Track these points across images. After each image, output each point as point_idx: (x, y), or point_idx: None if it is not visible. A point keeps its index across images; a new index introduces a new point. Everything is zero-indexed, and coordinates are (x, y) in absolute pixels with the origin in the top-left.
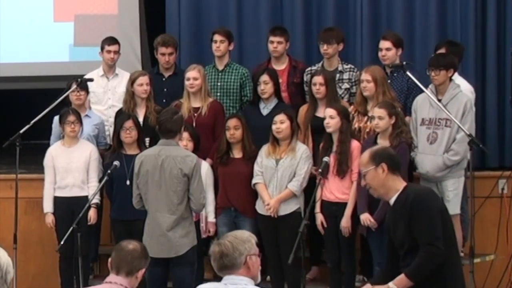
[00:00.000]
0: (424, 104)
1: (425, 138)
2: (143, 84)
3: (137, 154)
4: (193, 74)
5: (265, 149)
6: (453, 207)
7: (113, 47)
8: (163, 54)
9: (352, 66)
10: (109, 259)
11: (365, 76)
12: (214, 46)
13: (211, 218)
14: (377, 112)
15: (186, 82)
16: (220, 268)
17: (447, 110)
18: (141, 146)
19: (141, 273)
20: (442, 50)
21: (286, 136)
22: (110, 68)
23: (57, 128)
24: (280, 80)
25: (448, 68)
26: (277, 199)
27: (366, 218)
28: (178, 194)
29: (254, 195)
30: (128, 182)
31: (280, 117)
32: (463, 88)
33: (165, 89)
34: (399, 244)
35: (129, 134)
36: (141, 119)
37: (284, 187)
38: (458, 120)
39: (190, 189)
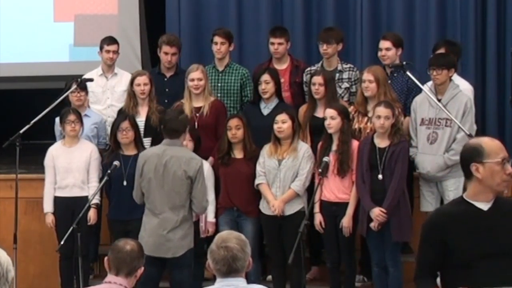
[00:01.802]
0: (424, 104)
1: (425, 138)
2: (140, 84)
3: (135, 155)
4: (197, 75)
5: (266, 149)
6: None
7: (112, 47)
8: (166, 53)
9: (352, 66)
10: (106, 259)
11: (367, 76)
12: (214, 48)
13: (211, 218)
14: (384, 112)
15: (190, 83)
16: (228, 271)
17: (447, 110)
18: (139, 146)
19: (140, 271)
20: (442, 50)
21: (287, 135)
22: (109, 68)
23: (58, 129)
24: (282, 80)
25: (450, 67)
26: (281, 200)
27: (378, 213)
28: (180, 195)
29: (256, 195)
30: (125, 183)
31: (282, 117)
32: (463, 88)
33: (166, 89)
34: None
35: (125, 135)
36: (143, 119)
37: (287, 187)
38: (459, 120)
39: (193, 191)
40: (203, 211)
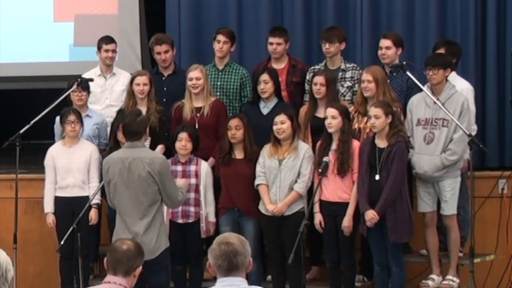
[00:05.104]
0: (420, 105)
1: (421, 138)
2: (140, 84)
3: None
4: (195, 74)
5: (267, 149)
6: (451, 207)
7: (110, 46)
8: (159, 53)
9: (355, 65)
10: (105, 259)
11: (366, 76)
12: (216, 45)
13: (211, 218)
14: (374, 111)
15: (189, 83)
16: (229, 268)
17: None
18: None
19: (138, 270)
20: (441, 50)
21: (287, 136)
22: (108, 68)
23: (58, 128)
24: (279, 79)
25: (446, 67)
26: (284, 203)
27: (371, 216)
28: (148, 196)
29: (257, 195)
30: None
31: (281, 118)
32: (463, 87)
33: (164, 88)
34: None
35: None
36: None
37: (287, 187)
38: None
39: (166, 189)
40: (178, 205)
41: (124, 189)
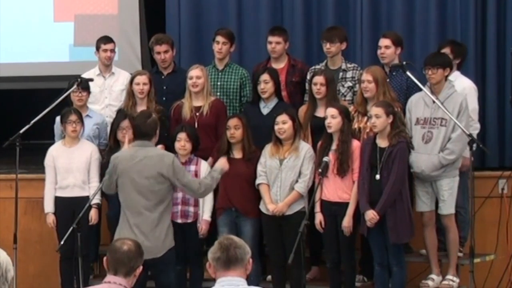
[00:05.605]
0: (419, 104)
1: (420, 137)
2: (139, 84)
3: None
4: (196, 73)
5: (268, 149)
6: (448, 206)
7: (109, 46)
8: (159, 53)
9: (356, 65)
10: (105, 259)
11: (366, 76)
12: (216, 47)
13: (206, 216)
14: (374, 110)
15: (189, 81)
16: (228, 260)
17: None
18: None
19: (139, 271)
20: (446, 50)
21: (289, 136)
22: (107, 67)
23: (58, 128)
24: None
25: (445, 67)
26: (285, 203)
27: (371, 216)
28: (155, 194)
29: (255, 195)
30: None
31: (282, 118)
32: (465, 85)
33: (164, 87)
34: None
35: (125, 134)
36: None
37: (288, 187)
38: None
39: (182, 183)
40: (202, 193)
41: (132, 187)
